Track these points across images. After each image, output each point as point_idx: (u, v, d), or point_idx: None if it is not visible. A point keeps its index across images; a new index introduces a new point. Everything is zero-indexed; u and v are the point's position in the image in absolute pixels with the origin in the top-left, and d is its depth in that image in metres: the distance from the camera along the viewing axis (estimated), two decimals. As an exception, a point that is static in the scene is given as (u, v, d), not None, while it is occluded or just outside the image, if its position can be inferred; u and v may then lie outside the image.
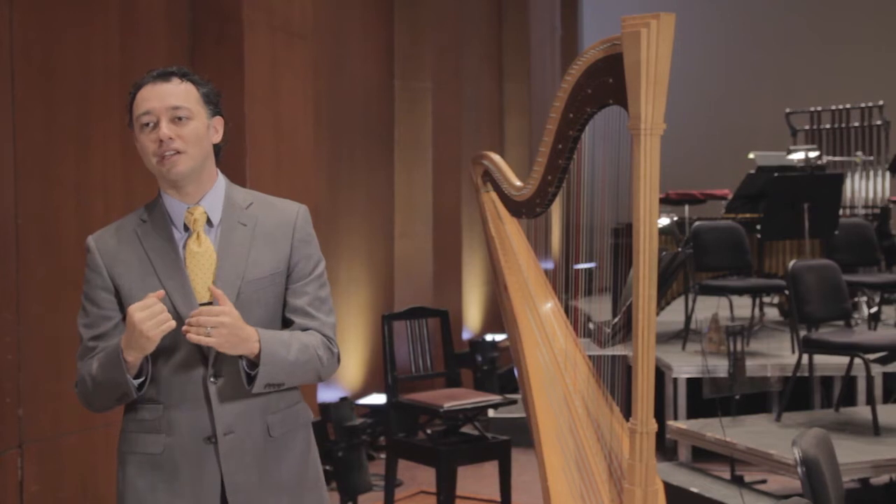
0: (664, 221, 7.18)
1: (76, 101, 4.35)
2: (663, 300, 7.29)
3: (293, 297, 2.39)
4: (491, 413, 6.62)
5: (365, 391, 6.82)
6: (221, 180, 2.41)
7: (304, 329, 2.38)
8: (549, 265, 3.46)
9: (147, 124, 2.28)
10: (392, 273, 7.49)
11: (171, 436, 2.30)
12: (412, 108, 7.64)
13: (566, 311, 3.60)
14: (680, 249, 6.42)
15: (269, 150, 5.29)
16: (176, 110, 2.28)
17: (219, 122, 2.39)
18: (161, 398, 2.31)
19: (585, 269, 3.59)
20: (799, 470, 2.70)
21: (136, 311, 2.16)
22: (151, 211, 2.36)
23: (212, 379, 2.29)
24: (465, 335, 8.83)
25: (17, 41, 4.04)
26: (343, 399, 5.65)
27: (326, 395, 6.14)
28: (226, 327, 2.19)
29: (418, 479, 5.90)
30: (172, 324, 2.18)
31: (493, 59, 10.01)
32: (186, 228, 2.35)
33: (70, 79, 4.32)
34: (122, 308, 2.31)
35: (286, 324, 2.40)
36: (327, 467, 5.60)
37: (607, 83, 2.91)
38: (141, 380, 2.26)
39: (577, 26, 13.63)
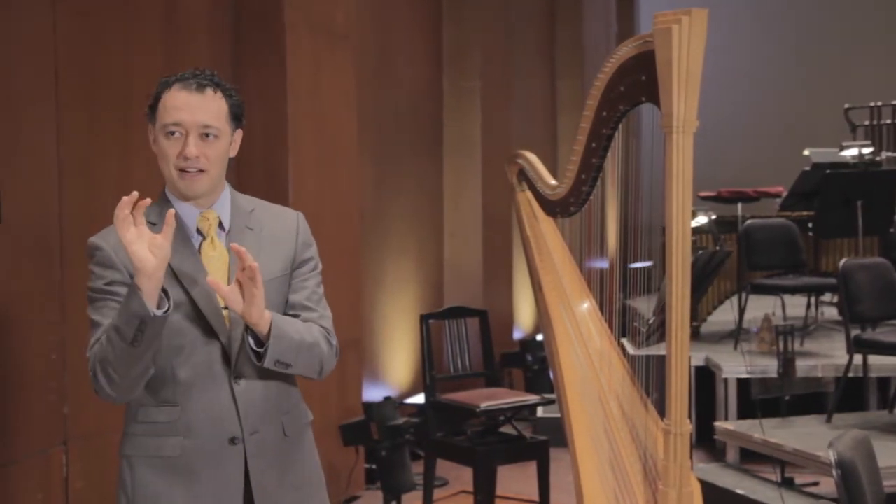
0: (702, 220, 7.09)
1: (119, 103, 4.41)
2: (715, 300, 7.21)
3: (293, 293, 2.42)
4: (539, 412, 6.60)
5: (413, 391, 6.82)
6: (227, 186, 2.43)
7: (304, 322, 2.39)
8: (605, 264, 3.43)
9: (173, 133, 2.28)
10: (442, 273, 7.49)
11: (189, 438, 2.28)
12: (461, 108, 7.62)
13: (620, 311, 3.56)
14: (718, 248, 6.32)
15: (311, 152, 5.31)
16: (206, 127, 2.28)
17: (239, 135, 2.40)
18: (179, 400, 2.29)
19: (641, 269, 3.55)
20: (834, 473, 2.66)
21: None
22: (160, 214, 2.27)
23: (235, 380, 2.30)
24: (517, 335, 8.79)
25: (60, 45, 4.10)
26: (387, 398, 5.65)
27: (371, 394, 6.15)
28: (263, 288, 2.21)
29: (462, 478, 5.88)
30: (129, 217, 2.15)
31: (546, 56, 9.95)
32: (198, 232, 2.36)
33: (113, 82, 4.38)
34: None
35: None
36: (371, 466, 5.61)
37: (640, 81, 2.89)
38: (164, 310, 2.15)
39: (633, 23, 13.51)
